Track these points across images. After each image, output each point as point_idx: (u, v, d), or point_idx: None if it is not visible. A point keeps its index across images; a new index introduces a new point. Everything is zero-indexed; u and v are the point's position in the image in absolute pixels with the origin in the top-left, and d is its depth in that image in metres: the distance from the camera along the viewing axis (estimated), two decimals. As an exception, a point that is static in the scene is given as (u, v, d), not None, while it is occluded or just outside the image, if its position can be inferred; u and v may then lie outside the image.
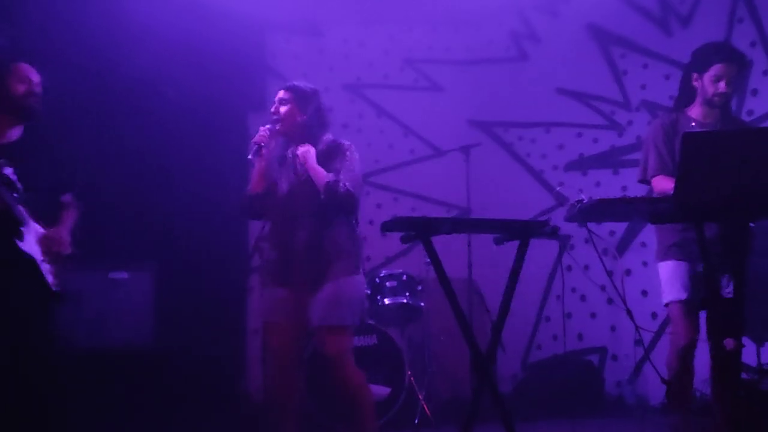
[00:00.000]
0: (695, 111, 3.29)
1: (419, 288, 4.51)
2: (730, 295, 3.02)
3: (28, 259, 2.95)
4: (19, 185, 3.03)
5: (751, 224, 3.11)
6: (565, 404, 4.44)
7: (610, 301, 5.01)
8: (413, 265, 4.75)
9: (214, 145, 5.07)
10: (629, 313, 2.68)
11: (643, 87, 5.05)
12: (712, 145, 2.33)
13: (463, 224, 3.05)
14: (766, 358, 3.87)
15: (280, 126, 3.07)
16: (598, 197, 2.45)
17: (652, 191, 3.34)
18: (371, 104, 5.73)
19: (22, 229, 2.96)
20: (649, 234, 4.24)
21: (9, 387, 2.98)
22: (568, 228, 3.84)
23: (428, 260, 4.41)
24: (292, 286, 2.94)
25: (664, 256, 3.29)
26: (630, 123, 5.12)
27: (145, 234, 4.57)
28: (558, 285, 5.27)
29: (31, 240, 3.00)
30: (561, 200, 5.24)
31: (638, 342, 4.74)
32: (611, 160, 5.20)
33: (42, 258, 3.01)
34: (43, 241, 3.04)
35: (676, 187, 2.33)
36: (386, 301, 4.38)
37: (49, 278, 3.02)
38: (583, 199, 2.48)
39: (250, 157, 3.03)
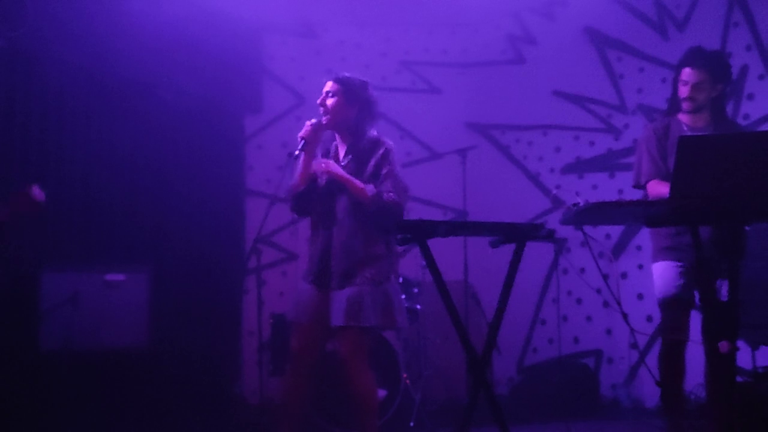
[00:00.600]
0: (685, 115, 3.31)
1: (415, 291, 4.51)
2: (725, 299, 3.04)
3: None
4: None
5: (746, 227, 3.12)
6: (561, 407, 4.44)
7: (605, 304, 5.02)
8: (410, 267, 4.75)
9: (211, 146, 5.08)
10: (625, 316, 2.68)
11: (640, 91, 5.06)
12: (707, 149, 2.33)
13: (460, 227, 3.05)
14: (761, 362, 3.87)
15: (326, 119, 2.96)
16: (595, 200, 2.46)
17: (647, 196, 3.35)
18: (368, 106, 5.72)
19: None
20: (645, 237, 4.24)
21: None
22: (564, 231, 3.85)
23: (424, 263, 4.45)
24: (321, 284, 2.92)
25: (657, 257, 3.32)
26: (626, 126, 5.13)
27: (142, 236, 4.58)
28: (554, 288, 5.27)
29: None
30: (557, 203, 5.27)
31: (633, 345, 4.75)
32: (607, 163, 5.21)
33: None
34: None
35: (671, 191, 2.34)
36: (382, 303, 4.37)
37: None
38: (580, 203, 2.49)
39: (296, 152, 2.92)
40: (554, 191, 5.21)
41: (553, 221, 5.03)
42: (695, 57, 3.23)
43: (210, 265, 4.86)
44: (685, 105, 3.26)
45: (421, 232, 2.64)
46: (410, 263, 4.88)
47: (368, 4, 5.30)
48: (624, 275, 4.98)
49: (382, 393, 4.08)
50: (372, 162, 2.92)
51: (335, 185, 2.92)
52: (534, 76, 5.56)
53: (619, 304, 2.64)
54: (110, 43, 4.46)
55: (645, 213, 2.51)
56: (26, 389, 3.73)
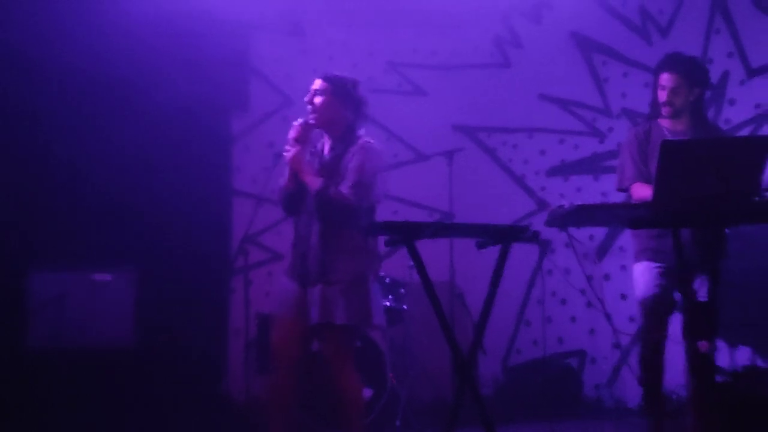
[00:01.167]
0: (666, 120, 3.37)
1: (402, 291, 4.54)
2: (705, 299, 3.11)
3: None
4: None
5: (726, 230, 3.19)
6: (545, 407, 4.50)
7: (589, 304, 5.08)
8: (396, 268, 4.79)
9: (198, 145, 5.07)
10: (608, 317, 2.74)
11: (624, 95, 5.13)
12: (689, 153, 2.40)
13: (447, 228, 3.09)
14: (740, 361, 3.95)
15: (314, 118, 2.93)
16: (579, 203, 2.50)
17: (630, 198, 3.41)
18: (355, 107, 5.75)
19: None
20: (628, 239, 4.31)
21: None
22: (549, 232, 3.89)
23: (411, 264, 4.48)
24: (301, 280, 2.91)
25: (638, 258, 3.38)
26: (611, 130, 5.20)
27: (128, 236, 4.57)
28: (538, 289, 5.33)
29: None
30: (543, 205, 5.32)
31: (616, 345, 4.82)
32: (592, 166, 5.28)
33: None
34: None
35: (654, 194, 2.39)
36: (369, 303, 4.40)
37: None
38: (565, 205, 2.53)
39: (284, 153, 2.90)
40: (540, 194, 5.27)
41: (537, 223, 5.08)
42: (672, 62, 3.30)
43: (197, 265, 4.86)
44: (664, 109, 3.32)
45: (409, 234, 2.67)
46: (397, 264, 4.91)
47: (356, 4, 5.33)
48: (607, 276, 5.05)
49: (368, 392, 4.11)
50: (347, 159, 2.89)
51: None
52: (520, 80, 5.61)
53: (602, 304, 2.69)
54: (96, 43, 4.46)
55: (629, 215, 2.56)
56: (13, 388, 3.73)
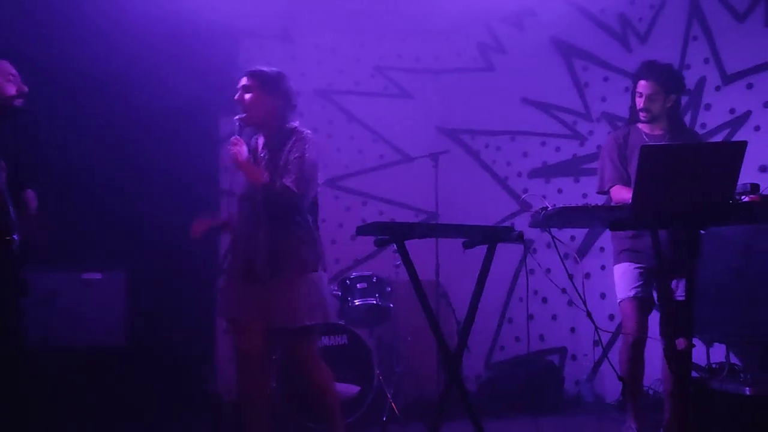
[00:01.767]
0: (644, 124, 3.49)
1: (388, 290, 4.62)
2: (682, 298, 3.23)
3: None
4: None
5: (702, 231, 3.31)
6: (527, 402, 4.60)
7: (570, 303, 5.20)
8: (382, 267, 4.87)
9: (186, 148, 5.12)
10: (589, 314, 2.84)
11: (604, 99, 5.26)
12: (668, 158, 2.49)
13: (436, 229, 3.18)
14: (715, 358, 4.08)
15: (245, 116, 2.89)
16: (561, 204, 2.60)
17: (610, 200, 3.52)
18: (342, 110, 5.84)
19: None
20: (607, 239, 4.43)
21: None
22: (531, 233, 4.01)
23: (398, 263, 4.58)
24: (248, 276, 2.86)
25: (617, 259, 3.50)
26: (591, 133, 5.32)
27: (118, 235, 4.61)
28: (521, 288, 5.44)
29: None
30: (526, 207, 5.43)
31: (597, 342, 4.94)
32: (573, 168, 5.40)
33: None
34: None
35: (633, 197, 2.49)
36: (356, 302, 4.49)
37: None
38: (548, 207, 2.63)
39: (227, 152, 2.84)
40: (523, 196, 5.38)
41: (520, 223, 5.21)
42: (648, 70, 3.42)
43: (186, 264, 4.89)
44: (641, 115, 3.44)
45: (398, 234, 2.76)
46: (383, 263, 5.00)
47: (344, 11, 5.40)
48: (588, 275, 5.17)
49: (355, 389, 4.20)
50: (285, 151, 2.86)
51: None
52: (503, 84, 5.73)
53: (584, 302, 2.79)
54: (86, 45, 4.49)
55: (609, 217, 2.65)
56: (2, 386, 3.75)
